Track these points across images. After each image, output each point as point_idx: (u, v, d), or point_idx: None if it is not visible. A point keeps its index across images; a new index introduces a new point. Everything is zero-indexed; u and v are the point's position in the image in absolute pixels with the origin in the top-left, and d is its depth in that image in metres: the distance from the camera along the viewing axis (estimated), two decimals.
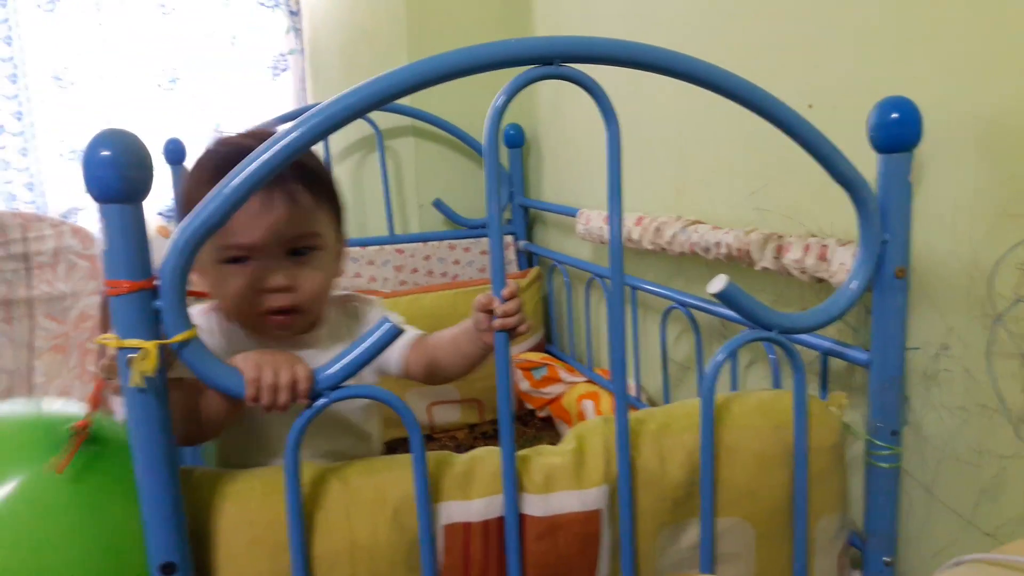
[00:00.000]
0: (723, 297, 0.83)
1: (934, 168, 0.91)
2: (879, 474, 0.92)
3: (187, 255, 0.67)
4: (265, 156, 0.67)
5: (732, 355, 1.19)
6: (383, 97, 0.70)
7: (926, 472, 0.95)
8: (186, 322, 0.68)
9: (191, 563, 0.73)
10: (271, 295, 0.88)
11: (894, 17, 0.94)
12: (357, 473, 0.80)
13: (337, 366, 0.73)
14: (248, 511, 0.76)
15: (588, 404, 1.58)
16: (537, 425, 1.76)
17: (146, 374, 0.66)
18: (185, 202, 0.89)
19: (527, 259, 2.03)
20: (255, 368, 0.72)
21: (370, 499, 0.78)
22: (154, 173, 0.68)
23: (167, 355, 0.69)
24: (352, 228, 2.02)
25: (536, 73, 0.74)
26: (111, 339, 0.67)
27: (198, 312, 0.94)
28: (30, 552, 0.71)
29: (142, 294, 0.67)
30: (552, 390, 1.69)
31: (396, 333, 0.73)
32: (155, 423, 0.69)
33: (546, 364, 1.73)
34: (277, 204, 0.86)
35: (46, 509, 0.72)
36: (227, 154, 0.85)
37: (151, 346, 0.66)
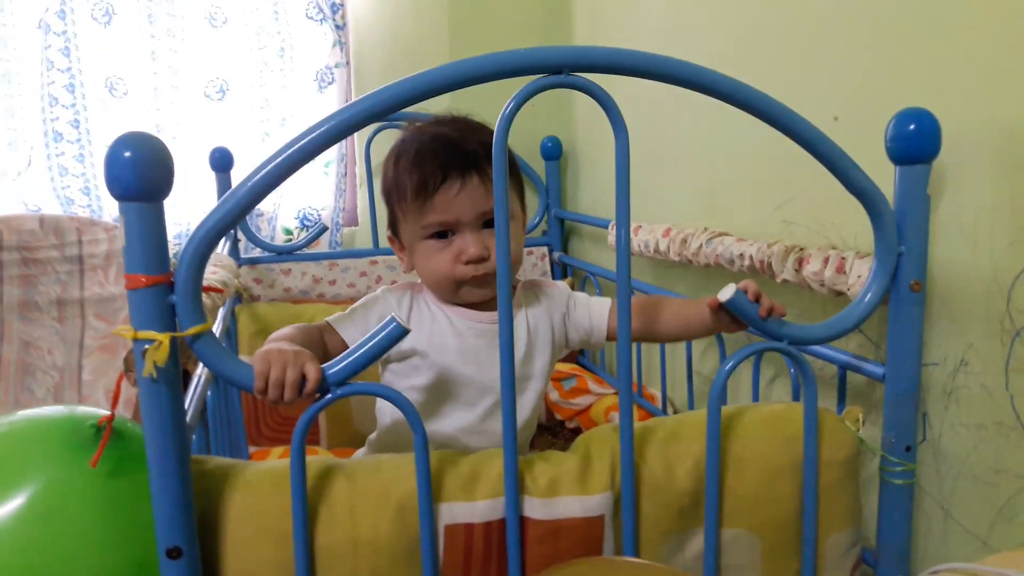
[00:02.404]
0: (732, 306, 0.83)
1: (955, 180, 0.89)
2: (893, 490, 0.91)
3: (202, 252, 0.70)
4: (268, 167, 0.70)
5: (757, 365, 1.18)
6: (394, 103, 0.72)
7: (943, 490, 0.93)
8: (200, 316, 0.71)
9: (197, 549, 0.75)
10: (469, 265, 0.94)
11: (919, 30, 0.93)
12: (364, 470, 0.82)
13: (344, 363, 0.75)
14: (257, 501, 0.79)
15: (616, 416, 1.58)
16: (566, 436, 1.76)
17: (158, 364, 0.69)
18: (393, 187, 0.98)
19: (561, 270, 2.04)
20: (264, 363, 0.75)
21: (375, 496, 0.80)
22: (173, 174, 0.71)
23: (180, 348, 0.72)
24: None
25: (545, 82, 0.75)
26: (127, 331, 0.70)
27: (394, 289, 1.02)
28: (62, 541, 0.75)
29: (158, 288, 0.70)
30: (581, 401, 1.70)
31: (402, 332, 0.75)
32: (166, 412, 0.72)
33: (575, 375, 1.73)
34: (472, 181, 0.93)
35: (76, 501, 0.77)
36: (428, 141, 0.95)
37: (164, 338, 0.69)
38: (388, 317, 0.90)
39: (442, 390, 0.98)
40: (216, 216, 0.70)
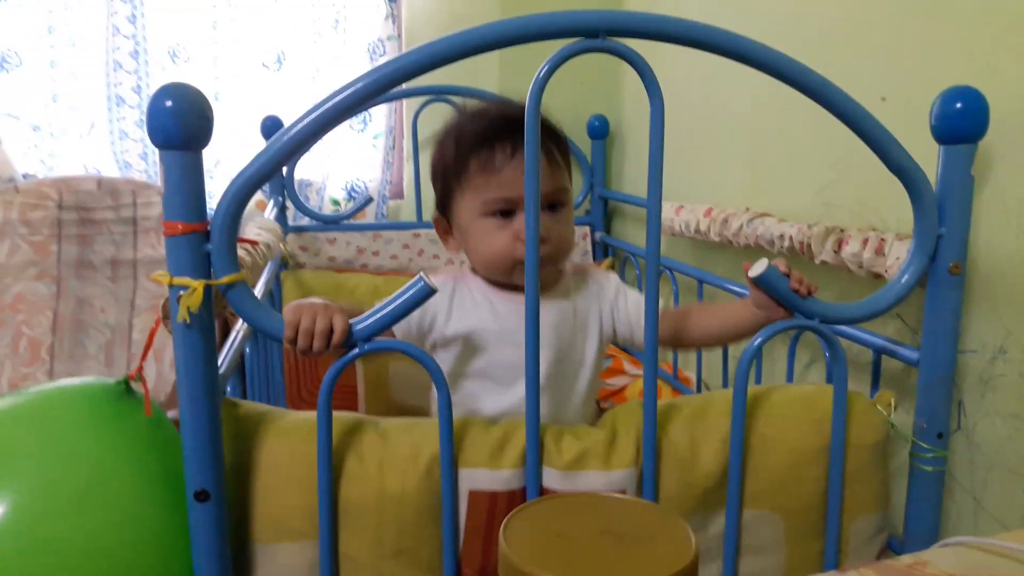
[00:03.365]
0: (762, 281, 0.82)
1: (1003, 163, 0.87)
2: (922, 477, 0.89)
3: (238, 202, 0.73)
4: (302, 124, 0.71)
5: (792, 348, 1.16)
6: (426, 63, 0.73)
7: (975, 480, 0.91)
8: (234, 265, 0.73)
9: (224, 493, 0.78)
10: None
11: (969, 9, 0.91)
12: (397, 429, 0.84)
13: (372, 319, 0.77)
14: (291, 448, 0.81)
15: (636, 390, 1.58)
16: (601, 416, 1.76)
17: (192, 310, 0.71)
18: (452, 163, 0.96)
19: (603, 250, 2.03)
20: (295, 312, 0.76)
21: (405, 454, 0.82)
22: (212, 124, 0.73)
23: (215, 296, 0.74)
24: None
25: (581, 46, 0.75)
26: (163, 276, 0.72)
27: (436, 275, 1.00)
28: (101, 495, 0.77)
29: (194, 236, 0.72)
30: (616, 382, 1.69)
31: (428, 291, 0.76)
32: (199, 357, 0.74)
33: (611, 355, 1.73)
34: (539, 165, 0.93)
35: (114, 449, 0.80)
36: (494, 119, 0.95)
37: (198, 284, 0.71)
38: (430, 300, 0.91)
39: (485, 374, 0.97)
40: (252, 168, 0.72)
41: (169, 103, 0.70)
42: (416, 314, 0.94)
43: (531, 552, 0.35)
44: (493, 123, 0.95)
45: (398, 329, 0.96)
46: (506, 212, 0.94)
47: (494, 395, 0.98)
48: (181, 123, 0.70)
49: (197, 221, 0.72)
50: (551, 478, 0.82)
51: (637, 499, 0.45)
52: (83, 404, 0.80)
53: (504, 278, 0.97)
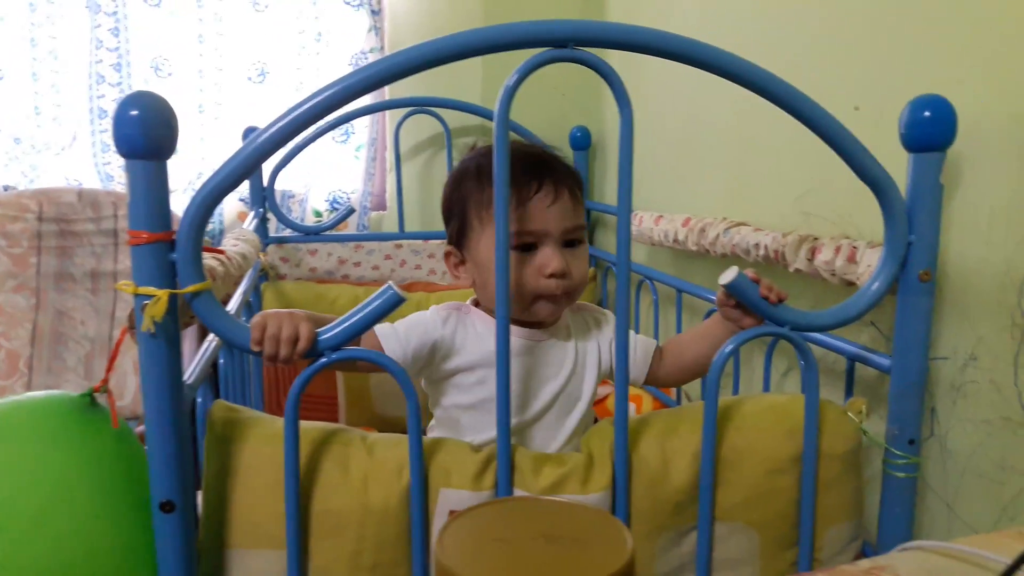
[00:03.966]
0: (732, 288, 0.82)
1: (973, 172, 0.88)
2: (895, 484, 0.89)
3: (203, 211, 0.72)
4: (271, 130, 0.71)
5: (769, 356, 1.16)
6: (395, 73, 0.73)
7: (947, 486, 0.91)
8: (199, 275, 0.73)
9: (193, 503, 0.77)
10: (550, 280, 0.93)
11: (941, 19, 0.92)
12: (384, 444, 0.83)
13: (339, 328, 0.77)
14: (276, 454, 0.79)
15: (631, 407, 1.57)
16: None
17: (155, 319, 0.71)
18: (470, 197, 0.96)
19: None
20: (262, 318, 0.76)
21: (390, 469, 0.81)
22: (177, 134, 0.73)
23: (179, 305, 0.73)
24: (416, 222, 2.07)
25: (548, 55, 0.75)
26: (128, 285, 0.72)
27: (439, 309, 1.00)
28: (62, 499, 0.77)
29: (159, 245, 0.72)
30: (599, 391, 1.69)
31: (397, 300, 0.76)
32: (164, 367, 0.74)
33: None
34: (562, 197, 0.93)
35: (76, 464, 0.79)
36: (516, 155, 0.92)
37: (162, 294, 0.71)
38: (429, 332, 0.95)
39: (484, 407, 0.96)
40: (219, 176, 0.72)
41: (135, 112, 0.70)
42: (414, 343, 0.95)
43: (465, 557, 0.35)
44: (517, 160, 0.91)
45: (393, 354, 0.94)
46: (528, 247, 0.93)
47: (495, 428, 0.97)
48: (146, 132, 0.70)
49: (162, 230, 0.72)
50: None
51: (576, 502, 0.45)
52: (44, 419, 0.79)
53: (519, 313, 0.96)
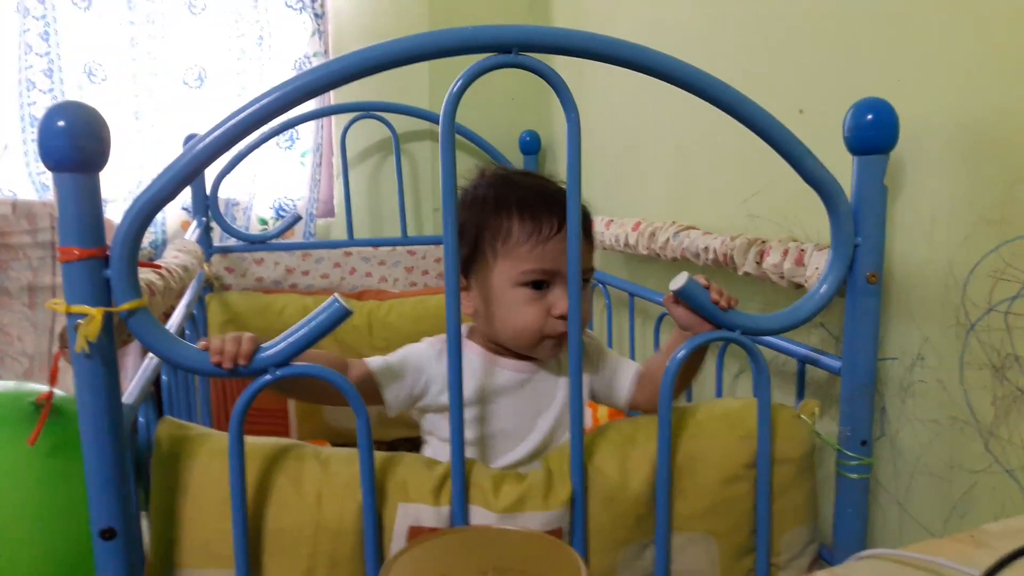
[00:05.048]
0: (682, 294, 0.82)
1: (914, 174, 0.89)
2: (848, 485, 0.89)
3: (138, 225, 0.69)
4: (210, 138, 0.69)
5: (720, 359, 1.16)
6: (337, 79, 0.71)
7: (899, 486, 0.92)
8: (135, 291, 0.70)
9: (136, 529, 0.74)
10: (558, 321, 0.91)
11: (883, 24, 0.93)
12: (338, 460, 0.81)
13: (283, 344, 0.74)
14: (225, 470, 0.76)
15: (587, 412, 1.57)
16: None
17: (89, 339, 0.67)
18: (487, 227, 0.94)
19: None
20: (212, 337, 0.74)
21: (343, 485, 0.79)
22: (109, 145, 0.70)
23: (115, 323, 0.70)
24: (366, 229, 2.05)
25: (493, 61, 0.74)
26: (59, 304, 0.69)
27: (433, 341, 0.98)
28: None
29: (92, 262, 0.68)
30: None
31: (344, 313, 0.74)
32: (100, 388, 0.70)
33: None
34: (579, 241, 0.90)
35: (10, 477, 0.77)
36: (533, 189, 0.95)
37: (96, 312, 0.68)
38: (422, 365, 0.94)
39: (479, 441, 0.96)
40: (155, 187, 0.69)
41: (61, 123, 0.66)
42: (409, 379, 0.94)
43: None
44: (531, 195, 0.93)
45: (388, 393, 0.94)
46: (539, 284, 0.92)
47: (490, 462, 0.96)
48: (75, 144, 0.67)
49: (94, 246, 0.68)
50: (488, 521, 0.80)
51: (529, 531, 0.44)
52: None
53: (526, 349, 0.95)
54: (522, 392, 0.96)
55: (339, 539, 0.78)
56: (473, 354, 0.97)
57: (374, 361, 0.94)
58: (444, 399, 0.93)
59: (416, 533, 0.79)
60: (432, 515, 0.79)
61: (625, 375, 1.01)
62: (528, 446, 0.95)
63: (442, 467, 0.82)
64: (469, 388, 0.94)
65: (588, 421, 1.02)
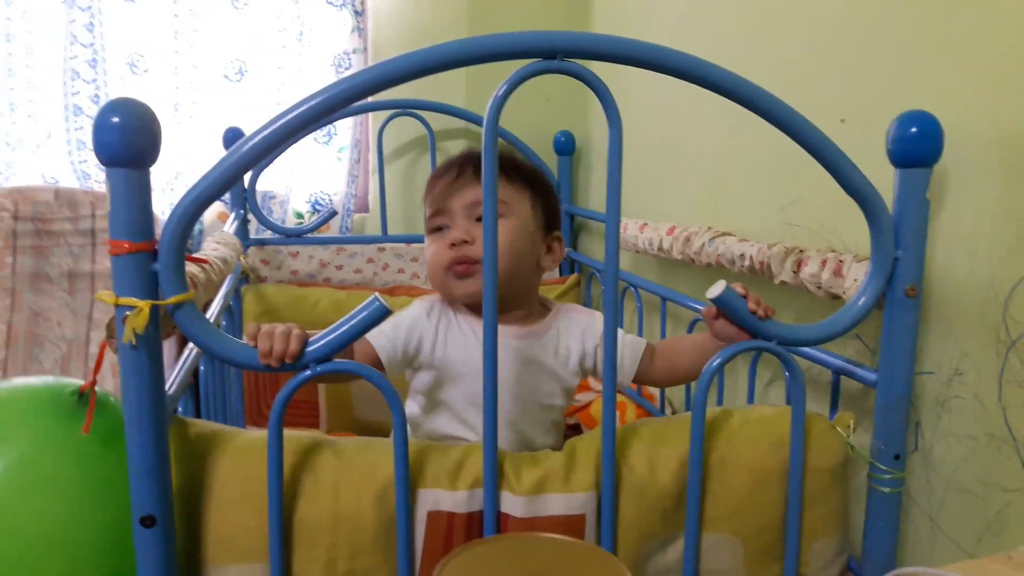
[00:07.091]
0: (720, 303, 0.82)
1: (957, 187, 0.88)
2: (880, 498, 0.89)
3: (186, 221, 0.70)
4: (257, 139, 0.70)
5: (753, 367, 1.16)
6: (382, 83, 0.72)
7: (932, 502, 0.92)
8: (182, 285, 0.71)
9: (173, 518, 0.76)
10: (454, 248, 0.97)
11: (928, 35, 0.92)
12: (352, 449, 0.83)
13: (324, 340, 0.75)
14: (245, 467, 0.79)
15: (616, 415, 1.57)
16: (566, 433, 1.75)
17: (136, 331, 0.69)
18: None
19: (569, 266, 2.03)
20: (255, 328, 0.75)
21: (360, 474, 0.80)
22: (160, 141, 0.71)
23: (162, 316, 0.72)
24: (400, 225, 2.06)
25: (537, 67, 0.74)
26: (109, 296, 0.70)
27: (424, 299, 1.05)
28: (39, 504, 0.77)
29: (141, 256, 0.70)
30: (582, 398, 1.69)
31: (383, 312, 0.75)
32: (145, 379, 0.72)
33: None
34: (467, 173, 0.99)
35: (53, 466, 0.79)
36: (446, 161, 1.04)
37: (144, 305, 0.69)
38: (416, 324, 0.98)
39: (465, 403, 0.99)
40: (203, 185, 0.71)
41: (116, 119, 0.68)
42: (402, 338, 0.98)
43: None
44: (457, 157, 1.02)
45: (383, 352, 0.97)
46: (442, 228, 1.00)
47: (476, 425, 0.97)
48: (128, 140, 0.68)
49: (144, 240, 0.70)
50: (512, 504, 0.81)
51: (576, 540, 0.44)
52: (35, 414, 0.79)
53: (444, 291, 1.01)
54: (506, 356, 0.96)
55: (357, 528, 0.79)
56: (459, 314, 1.01)
57: (371, 334, 0.96)
58: (436, 358, 0.99)
59: (434, 518, 0.80)
60: (449, 500, 0.80)
61: (631, 355, 1.02)
62: (506, 414, 0.96)
63: (456, 451, 0.83)
64: (456, 349, 0.99)
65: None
